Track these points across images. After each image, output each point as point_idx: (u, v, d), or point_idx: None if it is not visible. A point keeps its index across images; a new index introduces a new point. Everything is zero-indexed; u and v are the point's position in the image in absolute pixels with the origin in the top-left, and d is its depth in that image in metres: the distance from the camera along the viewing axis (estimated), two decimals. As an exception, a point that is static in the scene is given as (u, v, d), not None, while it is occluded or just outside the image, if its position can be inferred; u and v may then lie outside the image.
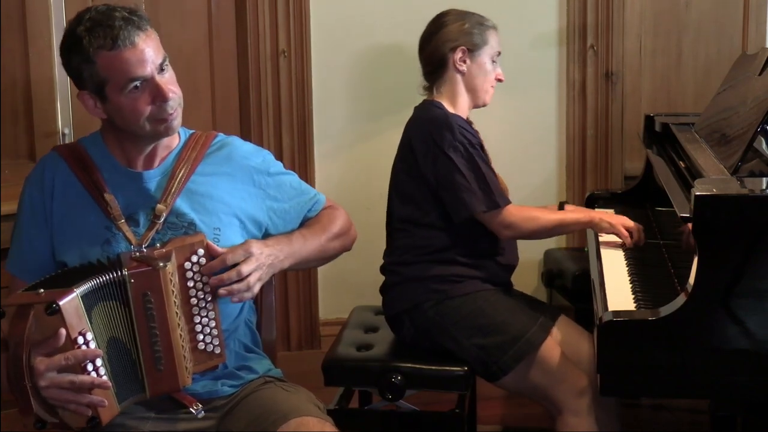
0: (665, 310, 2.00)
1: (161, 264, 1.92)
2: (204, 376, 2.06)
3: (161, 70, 1.98)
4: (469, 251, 2.58)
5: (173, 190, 2.05)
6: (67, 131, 3.20)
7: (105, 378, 1.84)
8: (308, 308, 3.54)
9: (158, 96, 1.96)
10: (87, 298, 1.84)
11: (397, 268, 2.63)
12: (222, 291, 1.98)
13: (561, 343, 2.56)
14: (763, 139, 2.41)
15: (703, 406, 2.87)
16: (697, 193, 1.95)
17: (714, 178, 2.17)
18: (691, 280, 1.98)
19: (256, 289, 2.02)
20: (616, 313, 2.06)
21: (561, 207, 2.86)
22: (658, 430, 3.16)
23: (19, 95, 3.12)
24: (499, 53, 2.70)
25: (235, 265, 1.98)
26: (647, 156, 3.04)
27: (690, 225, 1.99)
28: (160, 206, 2.03)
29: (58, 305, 1.77)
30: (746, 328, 1.97)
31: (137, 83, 1.95)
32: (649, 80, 3.60)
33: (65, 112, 3.20)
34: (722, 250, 1.95)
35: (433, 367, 2.53)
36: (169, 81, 1.99)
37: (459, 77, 2.66)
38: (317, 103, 3.44)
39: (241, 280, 1.98)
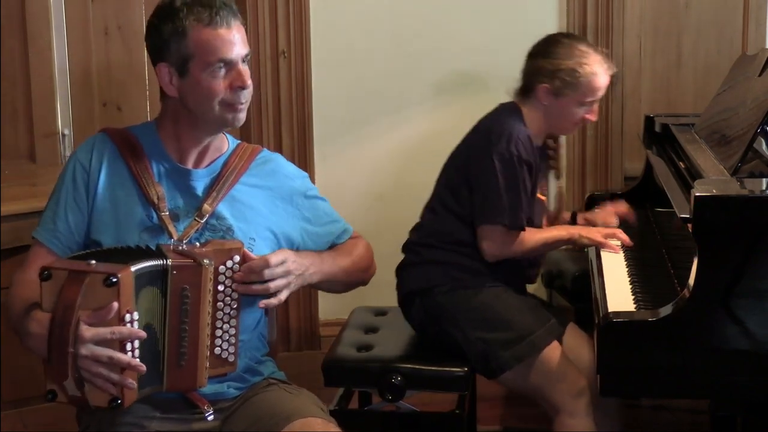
0: (665, 311, 2.00)
1: (206, 261, 1.92)
2: (211, 380, 2.05)
3: (243, 61, 2.03)
4: None
5: (218, 194, 2.08)
6: (66, 132, 3.21)
7: (139, 361, 1.84)
8: (308, 309, 3.54)
9: (237, 81, 2.01)
10: (139, 279, 1.85)
11: (419, 248, 2.64)
12: (240, 288, 2.00)
13: (564, 348, 2.55)
14: (763, 140, 2.41)
15: (703, 406, 2.87)
16: (697, 194, 1.95)
17: (714, 179, 2.17)
18: (691, 280, 1.98)
19: (284, 296, 2.05)
20: (616, 313, 2.06)
21: (574, 217, 2.86)
22: (658, 430, 3.16)
23: (19, 95, 3.12)
24: (595, 100, 2.58)
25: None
26: (647, 157, 3.04)
27: (690, 225, 1.99)
28: (206, 206, 2.06)
29: (117, 277, 1.78)
30: (746, 328, 1.97)
31: (222, 65, 1.99)
32: (649, 81, 3.59)
33: (65, 112, 3.21)
34: (722, 251, 1.95)
35: (433, 368, 2.53)
36: (248, 72, 2.04)
37: (540, 107, 2.61)
38: (317, 103, 3.44)
39: (264, 282, 2.01)
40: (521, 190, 2.51)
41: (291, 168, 2.27)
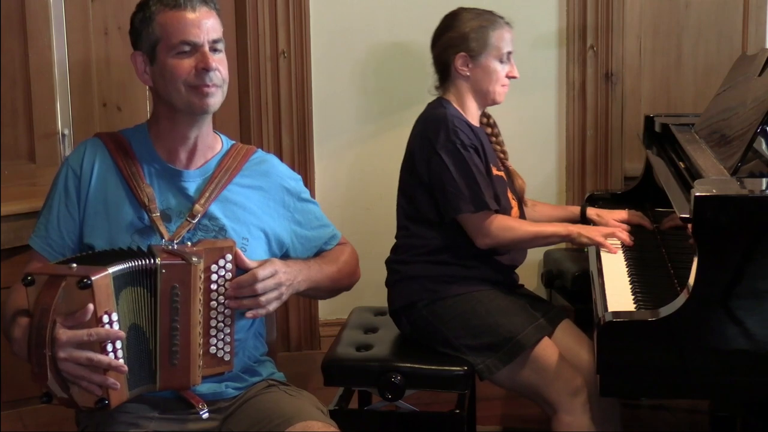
0: (665, 311, 2.00)
1: (194, 259, 1.93)
2: (208, 380, 2.05)
3: (215, 49, 2.05)
4: (466, 252, 2.58)
5: (211, 194, 2.09)
6: (66, 132, 3.21)
7: (122, 361, 1.84)
8: (308, 309, 3.54)
9: (201, 63, 2.02)
10: (118, 280, 1.85)
11: (397, 266, 2.66)
12: (232, 303, 2.00)
13: (559, 347, 2.55)
14: (762, 140, 2.41)
15: (703, 406, 2.88)
16: (697, 194, 1.95)
17: (714, 179, 2.17)
18: (691, 280, 1.98)
19: (273, 307, 2.05)
20: (616, 313, 2.06)
21: (584, 212, 2.87)
22: (658, 430, 3.16)
23: (19, 95, 3.12)
24: (510, 52, 2.67)
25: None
26: (647, 156, 3.04)
27: (689, 225, 1.99)
28: (197, 206, 2.06)
29: (90, 280, 1.79)
30: (746, 328, 1.97)
31: (187, 48, 2.02)
32: (648, 81, 3.60)
33: (65, 112, 3.21)
34: (722, 251, 1.95)
35: (433, 367, 2.53)
36: (218, 60, 2.05)
37: (464, 81, 2.66)
38: (317, 103, 3.44)
39: (256, 296, 2.01)
40: (476, 173, 2.53)
41: (285, 169, 2.27)
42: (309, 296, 2.39)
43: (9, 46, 3.09)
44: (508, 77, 2.68)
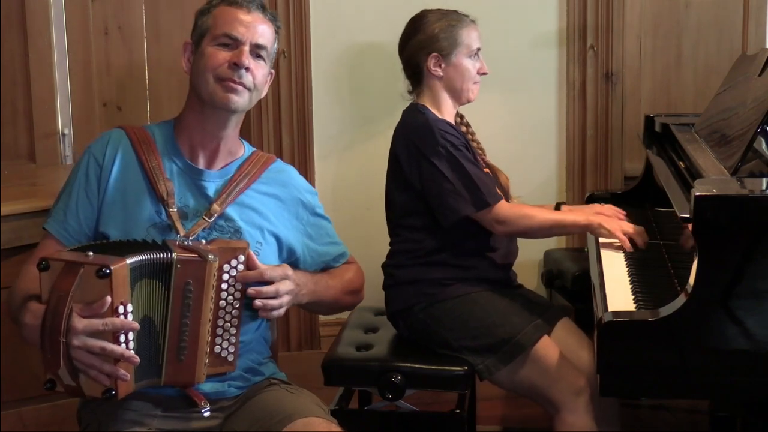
0: (665, 311, 2.00)
1: (211, 257, 1.94)
2: (210, 379, 2.05)
3: (257, 55, 2.09)
4: (460, 252, 2.58)
5: (229, 196, 2.11)
6: (66, 131, 3.21)
7: (133, 353, 1.85)
8: (308, 308, 3.54)
9: (235, 58, 2.06)
10: (135, 271, 1.86)
11: (392, 270, 2.66)
12: (258, 302, 2.01)
13: (560, 347, 2.55)
14: (763, 140, 2.41)
15: (703, 406, 2.88)
16: (697, 194, 1.95)
17: (714, 179, 2.17)
18: (691, 280, 1.98)
19: (281, 312, 2.06)
20: (616, 313, 2.06)
21: (558, 208, 2.84)
22: (658, 430, 3.16)
23: (19, 95, 3.13)
24: (479, 49, 2.69)
25: (270, 282, 2.03)
26: (647, 156, 3.04)
27: (690, 225, 1.99)
28: (215, 206, 2.08)
29: (110, 269, 1.79)
30: (746, 329, 1.97)
31: (228, 41, 2.07)
32: (649, 81, 3.60)
33: (65, 112, 3.21)
34: (722, 251, 1.95)
35: (433, 367, 2.53)
36: (255, 64, 2.09)
37: (438, 81, 2.66)
38: (317, 103, 3.44)
39: (275, 297, 2.02)
40: (472, 171, 2.52)
41: (302, 182, 2.29)
42: (309, 310, 2.41)
43: (9, 46, 3.09)
44: (479, 74, 2.70)
